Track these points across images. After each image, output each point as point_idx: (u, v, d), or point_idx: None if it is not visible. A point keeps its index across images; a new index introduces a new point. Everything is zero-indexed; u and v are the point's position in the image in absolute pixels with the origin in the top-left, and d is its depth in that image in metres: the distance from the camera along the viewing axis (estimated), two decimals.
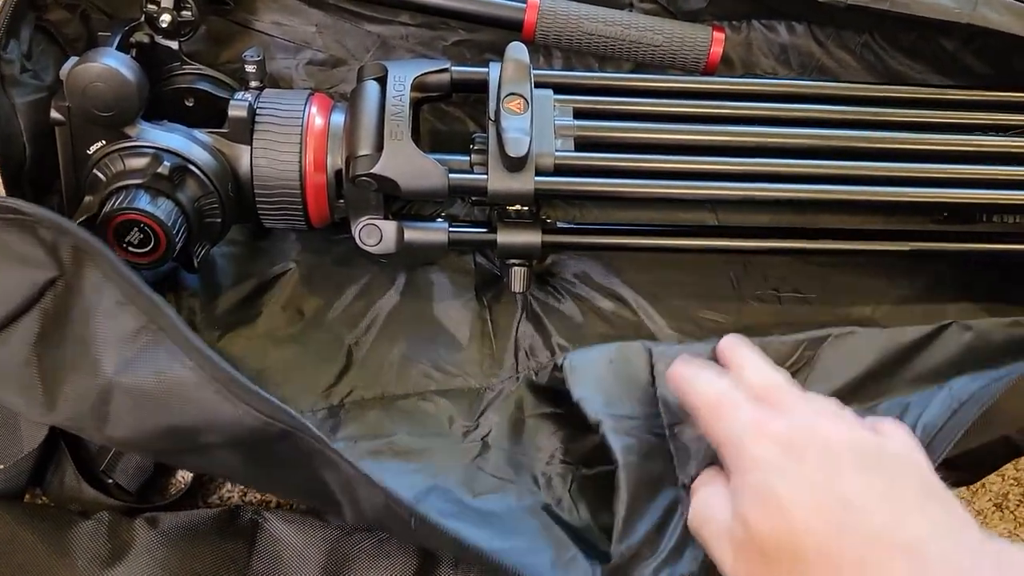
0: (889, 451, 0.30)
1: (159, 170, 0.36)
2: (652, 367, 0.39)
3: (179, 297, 0.44)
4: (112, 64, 0.35)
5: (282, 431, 0.32)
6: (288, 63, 0.48)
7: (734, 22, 0.47)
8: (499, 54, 0.47)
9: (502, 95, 0.39)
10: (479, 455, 0.41)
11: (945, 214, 0.45)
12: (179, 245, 0.37)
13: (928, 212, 0.46)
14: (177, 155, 0.37)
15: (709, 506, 0.31)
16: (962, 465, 0.41)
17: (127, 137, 0.37)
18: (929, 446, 0.35)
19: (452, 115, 0.49)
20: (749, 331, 0.46)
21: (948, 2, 0.41)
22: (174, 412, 0.32)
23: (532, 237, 0.41)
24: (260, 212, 0.41)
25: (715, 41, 0.43)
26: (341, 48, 0.48)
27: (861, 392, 0.40)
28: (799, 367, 0.40)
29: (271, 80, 0.47)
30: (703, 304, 0.47)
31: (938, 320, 0.44)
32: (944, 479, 0.41)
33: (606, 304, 0.47)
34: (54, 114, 0.37)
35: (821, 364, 0.40)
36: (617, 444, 0.36)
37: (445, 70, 0.42)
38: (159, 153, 0.37)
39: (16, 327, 0.34)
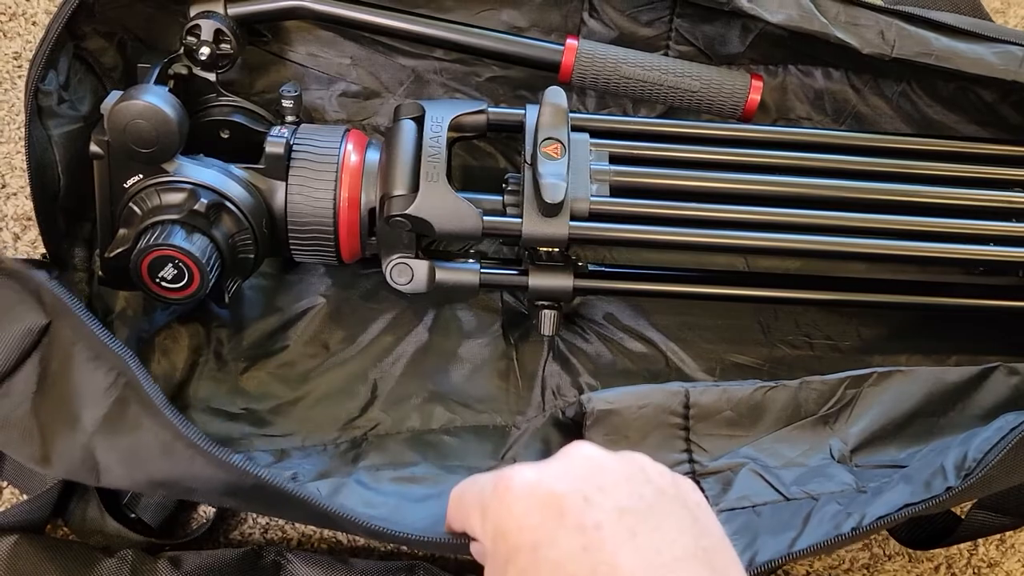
0: (663, 487, 0.26)
1: (196, 207, 0.36)
2: (688, 409, 0.39)
3: (207, 328, 0.44)
4: (155, 102, 0.35)
5: (256, 483, 0.32)
6: (322, 94, 0.48)
7: (770, 66, 0.47)
8: (533, 91, 0.47)
9: (539, 139, 0.39)
10: None
11: (981, 268, 0.45)
12: (212, 281, 0.37)
13: (964, 266, 0.45)
14: (214, 191, 0.37)
15: None
16: (1010, 508, 0.40)
17: (164, 172, 0.37)
18: (980, 462, 0.35)
19: (483, 150, 0.49)
20: (780, 375, 0.46)
21: (994, 59, 0.40)
22: (154, 468, 0.33)
23: (564, 281, 0.41)
24: (292, 247, 0.41)
25: (753, 88, 0.43)
26: (375, 80, 0.48)
27: (906, 432, 0.39)
28: (841, 406, 0.39)
29: (304, 111, 0.47)
30: (732, 348, 0.47)
31: None
32: (989, 523, 0.40)
33: (634, 346, 0.47)
34: (93, 147, 0.37)
35: (863, 403, 0.39)
36: None
37: (482, 111, 0.42)
38: (196, 189, 0.37)
39: (18, 375, 0.34)
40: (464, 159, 0.48)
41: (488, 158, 0.49)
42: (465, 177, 0.48)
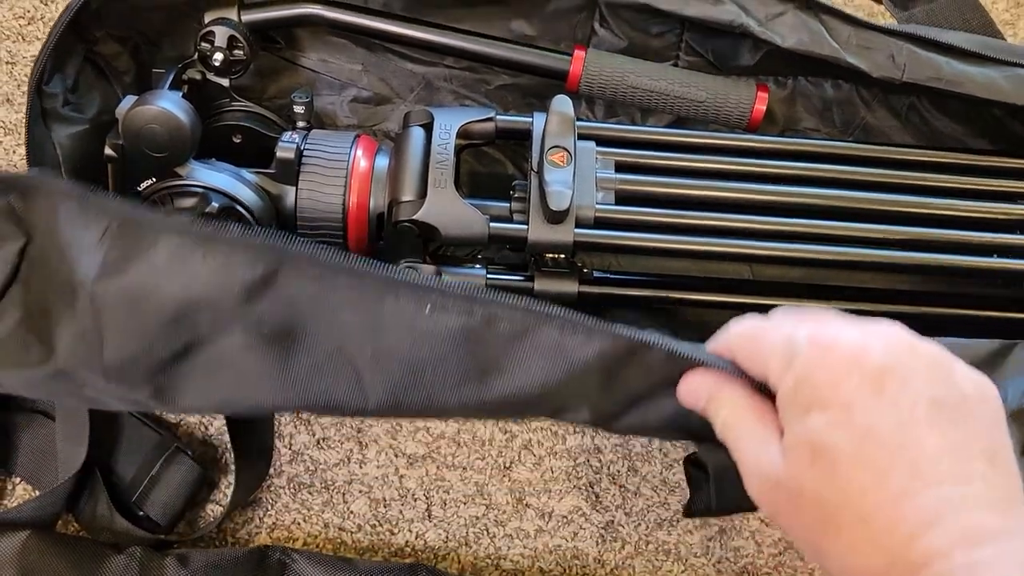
0: (967, 391, 0.26)
1: (207, 210, 0.37)
2: None
3: None
4: (169, 108, 0.36)
5: (264, 273, 0.29)
6: (333, 99, 0.48)
7: (780, 77, 0.47)
8: (542, 98, 0.48)
9: (546, 147, 0.40)
10: None
11: (1000, 281, 0.45)
12: None
13: (968, 276, 0.45)
14: (225, 195, 0.38)
15: (749, 441, 0.28)
16: None
17: (177, 176, 0.38)
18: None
19: (491, 156, 0.49)
20: None
21: (1005, 84, 0.40)
22: (162, 298, 0.29)
23: (569, 287, 0.41)
24: None
25: (759, 99, 0.43)
26: (385, 87, 0.48)
27: None
28: None
29: (316, 116, 0.47)
30: None
31: None
32: None
33: None
34: (107, 151, 0.38)
35: None
36: None
37: (490, 119, 0.42)
38: (207, 193, 0.37)
39: (5, 304, 0.32)
40: (472, 165, 0.49)
41: (496, 164, 0.49)
42: (473, 183, 0.48)
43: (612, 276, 0.44)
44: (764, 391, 0.29)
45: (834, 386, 0.26)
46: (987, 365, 0.38)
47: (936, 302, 0.44)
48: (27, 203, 0.31)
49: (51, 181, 0.31)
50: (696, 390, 0.30)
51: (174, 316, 0.30)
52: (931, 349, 0.27)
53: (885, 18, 0.51)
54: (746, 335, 0.29)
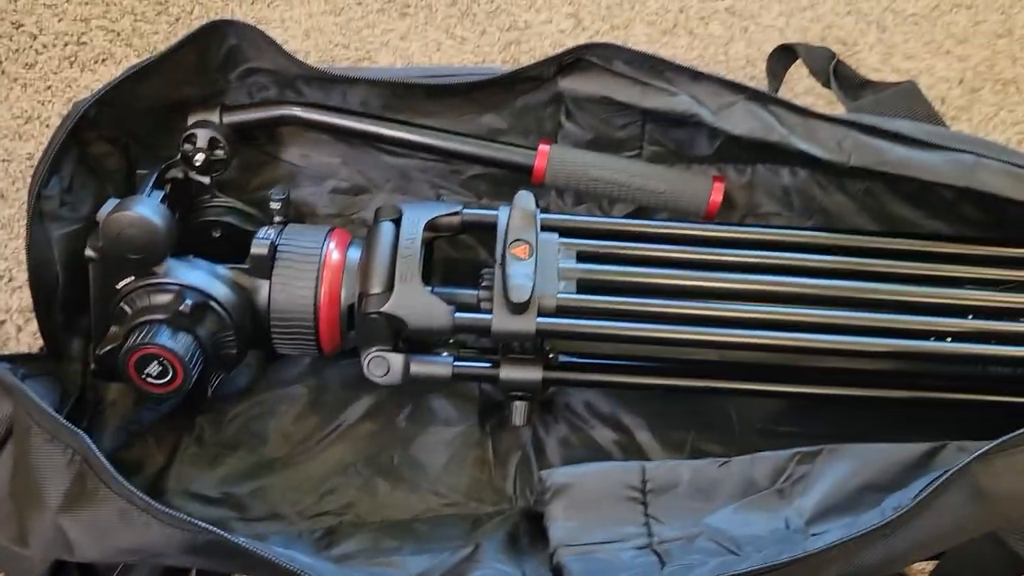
0: None
1: (181, 307, 0.39)
2: (645, 483, 0.40)
3: (190, 414, 0.46)
4: (145, 213, 0.38)
5: (208, 541, 0.34)
6: (314, 190, 0.50)
7: (739, 165, 0.49)
8: (514, 187, 0.49)
9: (508, 240, 0.41)
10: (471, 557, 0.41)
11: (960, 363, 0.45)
12: (195, 377, 0.39)
13: (939, 362, 0.45)
14: (199, 292, 0.40)
15: None
16: None
17: (154, 274, 0.40)
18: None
19: (464, 242, 0.51)
20: None
21: (946, 167, 0.42)
22: (119, 538, 0.34)
23: (534, 374, 0.43)
24: (275, 340, 0.43)
25: (715, 190, 0.45)
26: (363, 178, 0.51)
27: (860, 505, 0.39)
28: (794, 480, 0.40)
29: (297, 207, 0.49)
30: (703, 436, 0.48)
31: None
32: None
33: (608, 434, 0.48)
34: (88, 252, 0.40)
35: (815, 477, 0.39)
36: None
37: (457, 213, 0.44)
38: (182, 291, 0.39)
39: (4, 458, 0.36)
40: (447, 252, 0.50)
41: (469, 250, 0.51)
42: (447, 267, 0.50)
43: (577, 361, 0.46)
44: None
45: None
46: (917, 468, 0.40)
47: (894, 384, 0.45)
48: (10, 397, 0.36)
49: (28, 399, 0.35)
50: None
51: (130, 550, 0.35)
52: None
53: (837, 107, 0.53)
54: None
